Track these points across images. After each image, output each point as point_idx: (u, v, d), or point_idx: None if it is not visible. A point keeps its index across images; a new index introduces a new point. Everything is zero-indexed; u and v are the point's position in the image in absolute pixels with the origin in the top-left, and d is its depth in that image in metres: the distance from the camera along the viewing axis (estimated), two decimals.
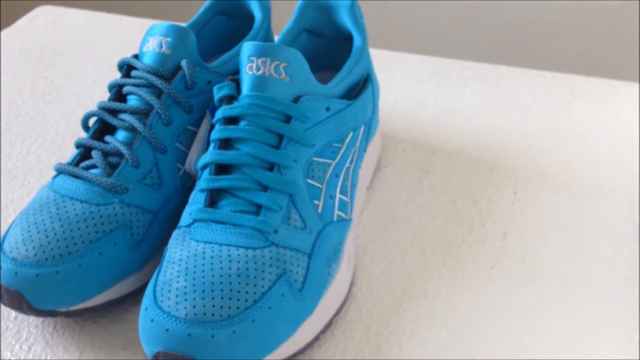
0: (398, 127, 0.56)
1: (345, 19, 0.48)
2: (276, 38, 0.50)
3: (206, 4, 0.52)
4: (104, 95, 0.60)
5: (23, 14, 0.73)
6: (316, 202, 0.40)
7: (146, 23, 0.71)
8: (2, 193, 0.50)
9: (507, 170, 0.51)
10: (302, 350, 0.38)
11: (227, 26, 0.52)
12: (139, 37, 0.69)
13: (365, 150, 0.47)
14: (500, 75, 0.62)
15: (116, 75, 0.63)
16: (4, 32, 0.71)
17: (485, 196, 0.49)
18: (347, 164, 0.43)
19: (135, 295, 0.41)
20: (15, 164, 0.53)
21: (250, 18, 0.51)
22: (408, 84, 0.61)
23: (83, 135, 0.55)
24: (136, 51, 0.65)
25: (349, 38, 0.49)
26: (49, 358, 0.39)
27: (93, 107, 0.59)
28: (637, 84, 0.60)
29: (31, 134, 0.56)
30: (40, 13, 0.73)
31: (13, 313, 0.42)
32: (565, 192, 0.49)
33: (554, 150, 0.53)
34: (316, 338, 0.39)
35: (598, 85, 0.59)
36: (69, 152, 0.54)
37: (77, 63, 0.65)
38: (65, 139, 0.56)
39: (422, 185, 0.50)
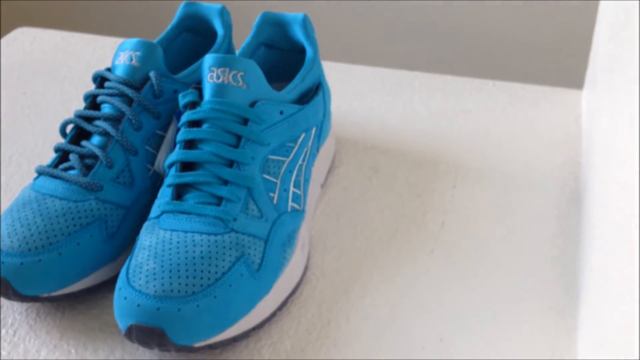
0: (351, 131, 0.61)
1: (299, 34, 0.54)
2: (237, 52, 0.56)
3: (173, 22, 0.57)
4: (80, 108, 0.65)
5: (1, 36, 0.78)
6: (272, 194, 0.45)
7: (118, 41, 0.76)
8: None
9: (448, 167, 0.56)
10: (260, 325, 0.42)
11: (192, 42, 0.58)
12: (111, 54, 0.74)
13: (317, 150, 0.52)
14: (445, 83, 0.68)
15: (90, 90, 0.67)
16: None
17: (427, 190, 0.54)
18: (300, 162, 0.48)
19: (111, 284, 0.46)
20: None
21: (213, 34, 0.57)
22: (362, 93, 0.67)
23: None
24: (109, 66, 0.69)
25: (302, 51, 0.54)
26: (32, 340, 0.43)
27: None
28: (566, 90, 0.66)
29: (12, 145, 0.61)
30: (19, 34, 0.78)
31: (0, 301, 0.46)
32: (498, 186, 0.54)
33: (490, 149, 0.58)
34: (273, 314, 0.43)
35: (532, 91, 0.66)
36: (47, 159, 0.58)
37: (54, 79, 0.70)
38: (44, 147, 0.60)
39: (372, 182, 0.55)
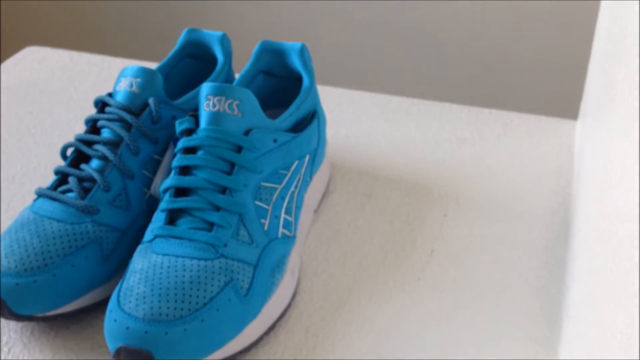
0: (347, 157, 0.62)
1: (296, 62, 0.55)
2: (236, 77, 0.57)
3: (175, 47, 0.59)
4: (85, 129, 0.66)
5: (11, 55, 0.80)
6: (263, 220, 0.46)
7: (125, 62, 0.78)
8: None
9: (439, 195, 0.57)
10: (247, 349, 0.44)
11: (193, 67, 0.59)
12: (117, 75, 0.76)
13: (310, 177, 0.53)
14: (442, 111, 0.69)
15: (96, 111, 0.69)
16: None
17: (418, 217, 0.55)
18: (292, 189, 0.49)
19: (104, 304, 0.47)
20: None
21: (213, 60, 0.58)
22: (359, 119, 0.68)
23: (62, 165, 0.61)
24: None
25: (299, 78, 0.56)
26: (26, 358, 0.45)
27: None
28: (561, 120, 0.67)
29: (16, 163, 0.62)
30: (28, 53, 0.80)
31: None
32: (488, 215, 0.55)
33: (483, 178, 0.59)
34: (260, 338, 0.44)
35: (527, 120, 0.67)
36: (50, 179, 0.60)
37: (60, 99, 0.71)
38: (47, 168, 0.62)
39: (364, 209, 0.56)
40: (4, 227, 0.55)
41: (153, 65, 0.62)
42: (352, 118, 0.68)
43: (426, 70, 1.24)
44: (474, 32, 1.18)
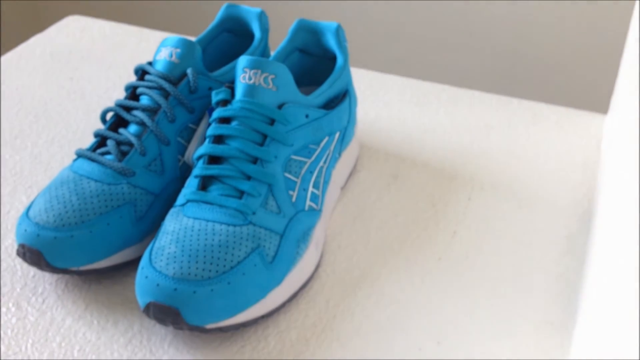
0: (376, 139, 0.63)
1: (331, 42, 0.56)
2: (272, 54, 0.58)
3: (214, 22, 0.60)
4: (122, 97, 0.69)
5: (53, 23, 0.82)
6: (291, 192, 0.48)
7: (162, 35, 0.79)
8: (28, 175, 0.58)
9: (464, 180, 0.58)
10: (269, 314, 0.45)
11: (230, 42, 0.61)
12: (155, 47, 0.78)
13: (339, 154, 0.54)
14: (472, 98, 0.69)
15: (133, 79, 0.71)
16: (35, 37, 0.79)
17: (442, 201, 0.56)
18: (321, 164, 0.51)
19: (135, 263, 0.49)
20: (40, 151, 0.61)
21: (250, 36, 0.60)
22: (389, 102, 0.69)
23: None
24: (151, 59, 0.73)
25: (333, 58, 0.57)
26: (59, 309, 0.47)
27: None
28: (591, 113, 0.67)
29: (56, 126, 0.65)
30: (70, 22, 0.82)
31: (32, 272, 0.50)
32: (512, 201, 0.56)
33: (508, 166, 0.60)
34: (282, 305, 0.46)
35: (556, 112, 0.67)
36: (88, 143, 0.62)
37: (100, 67, 0.73)
38: (85, 132, 0.64)
39: (390, 189, 0.58)
40: (44, 186, 0.57)
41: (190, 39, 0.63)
42: (383, 100, 0.69)
43: (459, 60, 1.24)
44: (508, 23, 1.18)
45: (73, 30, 0.81)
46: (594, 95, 0.89)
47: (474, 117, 0.67)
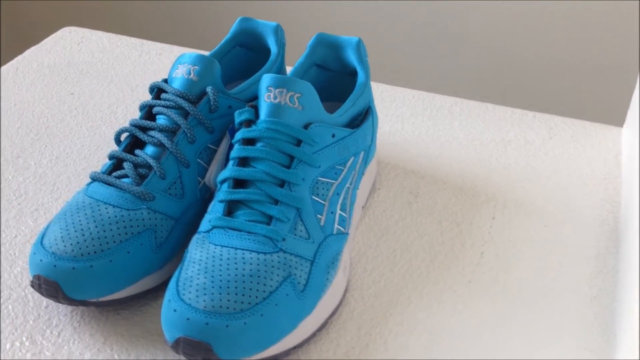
0: (392, 154, 0.62)
1: (352, 57, 0.55)
2: (288, 69, 0.57)
3: (228, 36, 0.58)
4: (126, 112, 0.66)
5: (47, 35, 0.79)
6: (319, 216, 0.46)
7: (164, 47, 0.77)
8: (33, 197, 0.56)
9: (487, 197, 0.57)
10: (301, 345, 0.43)
11: (245, 57, 0.59)
12: (158, 59, 0.76)
13: (363, 174, 0.53)
14: (486, 111, 0.68)
15: (137, 95, 0.69)
16: (31, 49, 0.76)
17: (466, 219, 0.55)
18: (348, 184, 0.49)
19: (155, 292, 0.47)
20: (44, 171, 0.59)
21: (266, 51, 0.58)
22: (403, 116, 0.67)
23: (106, 147, 0.61)
24: (155, 73, 0.71)
25: (353, 73, 0.55)
26: (76, 343, 0.45)
27: (116, 123, 0.65)
28: (607, 126, 0.66)
29: (59, 144, 0.62)
30: (66, 33, 0.79)
31: (44, 302, 0.47)
32: (537, 219, 0.55)
33: (529, 182, 0.59)
34: (313, 335, 0.44)
35: (572, 125, 0.66)
36: (94, 162, 0.59)
37: (101, 82, 0.71)
38: (90, 150, 0.61)
39: (412, 207, 0.56)
40: (52, 208, 0.54)
41: (205, 54, 0.61)
42: (396, 114, 0.68)
43: (471, 72, 1.23)
44: (522, 36, 1.17)
45: (70, 43, 0.78)
46: (606, 107, 0.88)
47: (489, 130, 0.66)
